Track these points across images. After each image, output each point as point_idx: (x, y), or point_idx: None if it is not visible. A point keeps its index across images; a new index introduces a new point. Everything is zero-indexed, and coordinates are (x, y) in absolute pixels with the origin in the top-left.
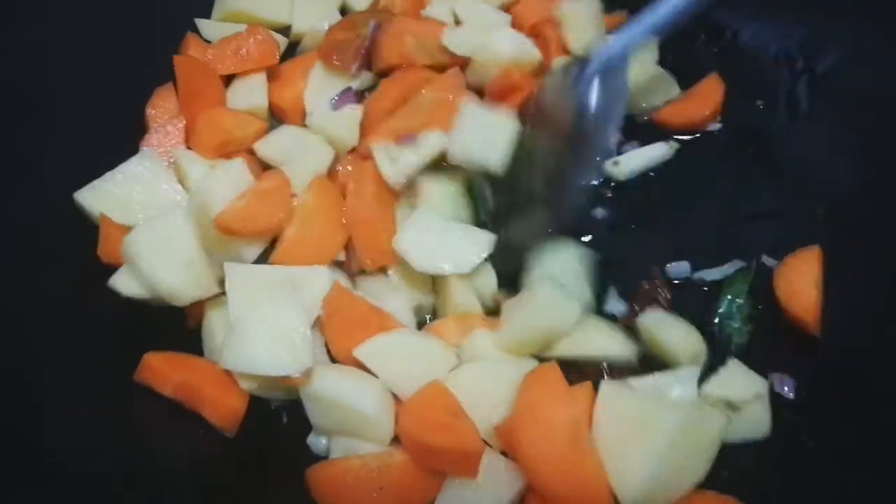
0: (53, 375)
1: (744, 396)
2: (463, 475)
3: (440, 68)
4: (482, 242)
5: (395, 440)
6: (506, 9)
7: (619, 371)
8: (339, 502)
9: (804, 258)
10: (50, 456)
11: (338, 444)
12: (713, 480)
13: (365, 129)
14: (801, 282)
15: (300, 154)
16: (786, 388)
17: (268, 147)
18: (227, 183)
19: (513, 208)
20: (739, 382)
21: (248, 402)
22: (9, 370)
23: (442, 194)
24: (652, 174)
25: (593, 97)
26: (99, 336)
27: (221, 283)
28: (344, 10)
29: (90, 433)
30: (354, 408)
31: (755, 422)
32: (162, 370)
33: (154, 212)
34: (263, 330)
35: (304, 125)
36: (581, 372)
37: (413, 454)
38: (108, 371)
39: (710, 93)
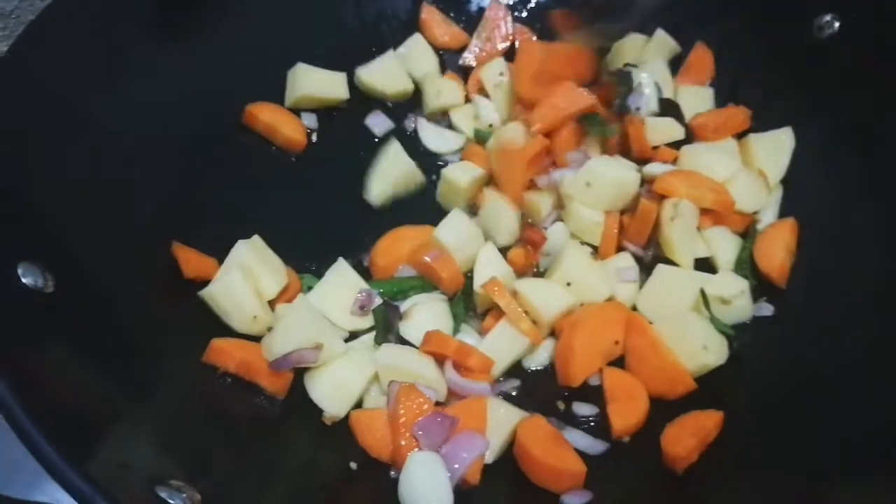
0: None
1: (733, 293)
2: (568, 489)
3: None
4: None
5: None
6: None
7: None
8: (372, 440)
9: (780, 228)
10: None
11: (370, 401)
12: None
13: None
14: (774, 246)
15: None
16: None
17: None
18: None
19: None
20: (729, 283)
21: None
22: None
23: None
24: None
25: None
26: (177, 328)
27: None
28: None
29: (173, 390)
30: (419, 373)
31: (742, 309)
32: (227, 351)
33: None
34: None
35: None
36: None
37: (530, 470)
38: (188, 353)
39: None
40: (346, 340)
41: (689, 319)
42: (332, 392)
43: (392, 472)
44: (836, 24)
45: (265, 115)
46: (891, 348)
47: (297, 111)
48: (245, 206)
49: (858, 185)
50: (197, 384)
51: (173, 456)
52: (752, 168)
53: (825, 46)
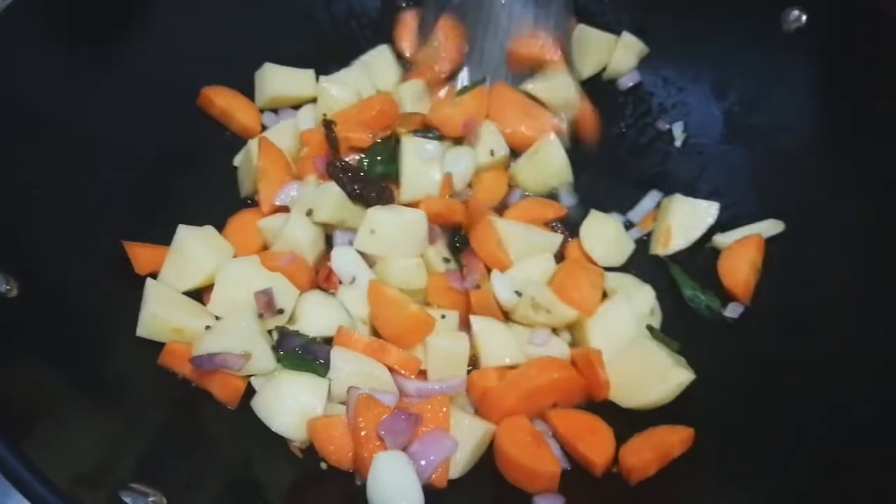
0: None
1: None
2: (542, 491)
3: None
4: None
5: None
6: None
7: None
8: (331, 447)
9: (745, 244)
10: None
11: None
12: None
13: None
14: (738, 262)
15: None
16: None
17: None
18: None
19: None
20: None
21: (247, 383)
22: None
23: None
24: None
25: None
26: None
27: None
28: None
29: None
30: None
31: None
32: (181, 354)
33: None
34: (288, 399)
35: None
36: None
37: (504, 469)
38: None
39: None
40: None
41: (646, 344)
42: (296, 420)
43: (357, 480)
44: (804, 18)
45: (221, 99)
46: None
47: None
48: (208, 200)
49: (832, 184)
50: (163, 387)
51: (138, 460)
52: (662, 223)
53: (794, 40)
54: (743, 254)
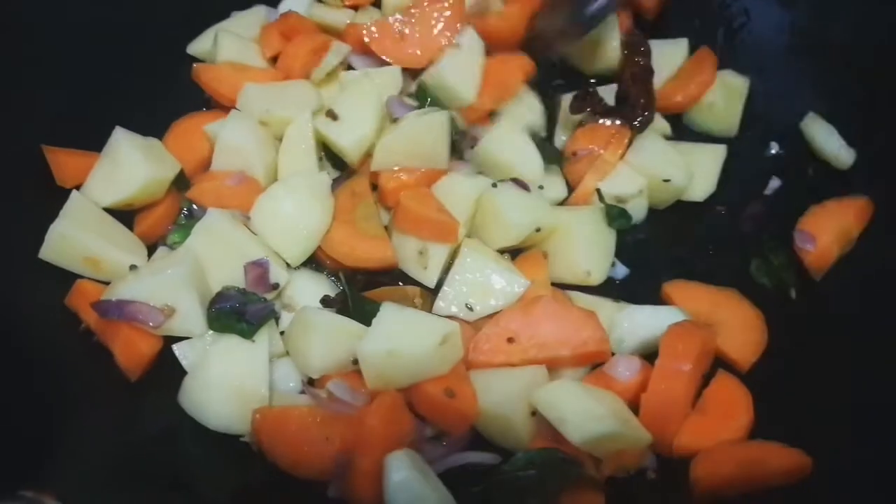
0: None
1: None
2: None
3: None
4: None
5: None
6: None
7: None
8: (285, 449)
9: (842, 206)
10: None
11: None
12: None
13: None
14: (822, 225)
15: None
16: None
17: None
18: None
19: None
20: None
21: (158, 350)
22: None
23: None
24: None
25: None
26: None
27: None
28: None
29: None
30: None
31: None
32: (91, 296)
33: None
34: (222, 384)
35: None
36: None
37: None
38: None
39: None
40: None
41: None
42: (234, 409)
43: (331, 492)
44: None
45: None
46: None
47: None
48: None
49: None
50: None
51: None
52: None
53: None
54: (831, 218)
